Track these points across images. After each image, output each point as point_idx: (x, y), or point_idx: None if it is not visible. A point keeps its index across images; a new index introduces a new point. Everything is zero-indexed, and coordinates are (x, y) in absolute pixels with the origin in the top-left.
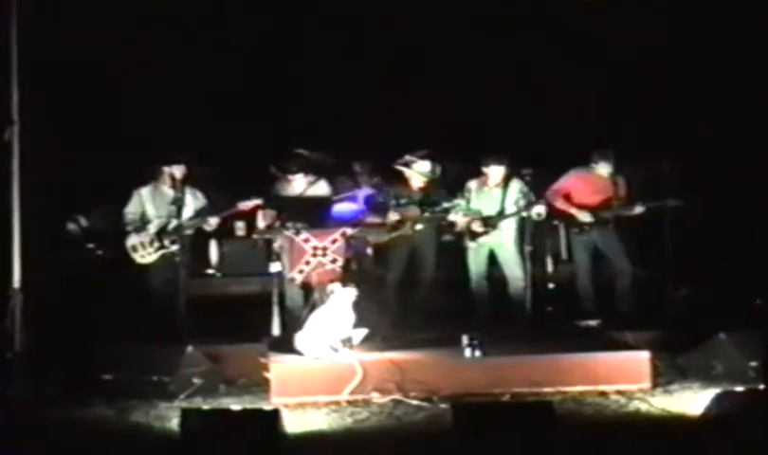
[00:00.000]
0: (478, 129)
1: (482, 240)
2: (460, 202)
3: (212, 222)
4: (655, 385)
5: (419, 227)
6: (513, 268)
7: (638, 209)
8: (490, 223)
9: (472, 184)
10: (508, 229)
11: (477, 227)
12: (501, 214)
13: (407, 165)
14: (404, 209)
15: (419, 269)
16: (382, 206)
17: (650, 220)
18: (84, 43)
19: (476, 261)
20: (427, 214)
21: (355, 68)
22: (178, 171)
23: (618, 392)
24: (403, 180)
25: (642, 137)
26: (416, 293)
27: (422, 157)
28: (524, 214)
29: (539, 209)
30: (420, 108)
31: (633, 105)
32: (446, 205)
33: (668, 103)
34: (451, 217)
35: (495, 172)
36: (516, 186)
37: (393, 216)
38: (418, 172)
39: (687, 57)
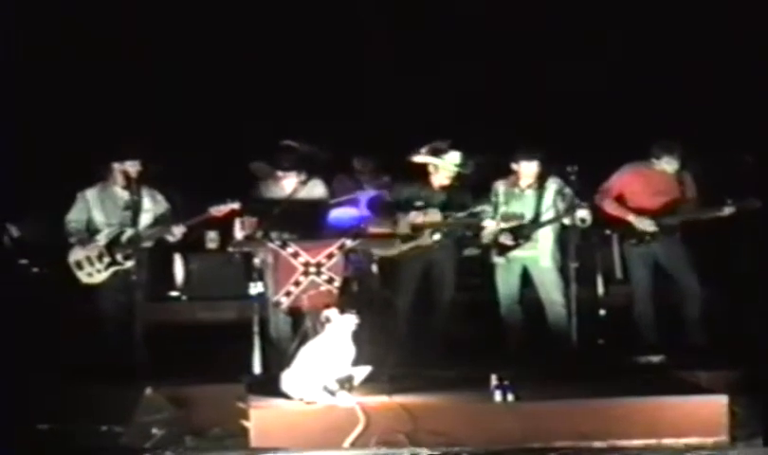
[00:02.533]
0: (507, 115)
1: (512, 255)
2: (485, 208)
3: (177, 231)
4: (735, 438)
5: (438, 236)
6: (550, 290)
7: (727, 210)
8: (523, 233)
9: (500, 185)
10: (545, 241)
11: (506, 238)
12: (535, 222)
13: (435, 154)
14: (421, 214)
15: (436, 291)
16: (391, 210)
17: (725, 228)
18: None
19: (506, 281)
20: (451, 220)
21: (353, 43)
22: (133, 168)
23: (688, 447)
24: (422, 176)
25: (715, 126)
26: (432, 321)
27: (451, 148)
28: (565, 221)
29: (582, 214)
30: (436, 90)
31: (702, 88)
32: (475, 209)
33: (744, 87)
34: (485, 223)
35: (527, 169)
36: (553, 186)
37: (405, 224)
38: (449, 163)
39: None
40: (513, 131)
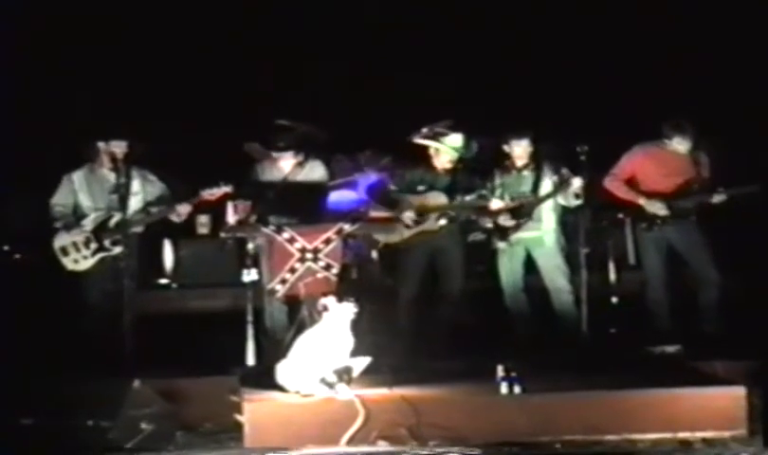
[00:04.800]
0: (512, 95)
1: (515, 237)
2: (483, 192)
3: (183, 211)
4: (753, 431)
5: (444, 221)
6: (555, 277)
7: (717, 198)
8: (522, 213)
9: (497, 169)
10: (548, 221)
11: (505, 220)
12: (533, 200)
13: (435, 137)
14: (424, 197)
15: (443, 279)
16: (393, 195)
17: (745, 212)
18: None
19: (509, 267)
20: (457, 203)
21: (352, 21)
22: (119, 148)
23: (705, 441)
24: (424, 159)
25: (730, 103)
26: (440, 311)
27: (446, 128)
28: (562, 201)
29: (575, 187)
30: (436, 68)
31: (716, 62)
32: (482, 192)
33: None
34: (493, 205)
35: (518, 149)
36: (550, 166)
37: (409, 208)
38: (450, 146)
39: None
40: (518, 111)
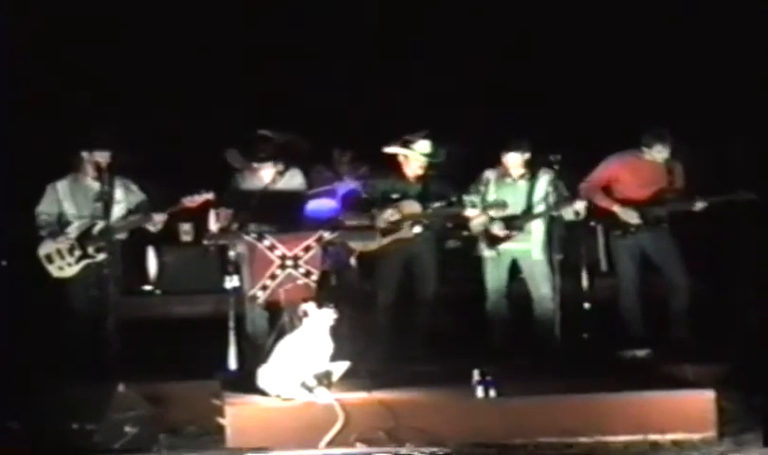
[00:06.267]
0: (493, 101)
1: (503, 247)
2: (471, 198)
3: (158, 220)
4: (722, 434)
5: (418, 228)
6: (540, 284)
7: (698, 205)
8: (516, 225)
9: (490, 174)
10: (537, 234)
11: (498, 229)
12: (527, 213)
13: (404, 145)
14: (398, 206)
15: (418, 285)
16: (366, 204)
17: (716, 219)
18: None
19: (495, 274)
20: (430, 210)
21: (332, 31)
22: (102, 158)
23: (674, 443)
24: (396, 168)
25: (706, 112)
26: (415, 316)
27: (422, 137)
28: (556, 214)
29: (578, 207)
30: (419, 78)
31: (694, 71)
32: (452, 199)
33: (738, 70)
34: (468, 212)
35: (513, 160)
36: (545, 177)
37: (382, 218)
38: (418, 153)
39: None
40: (497, 121)
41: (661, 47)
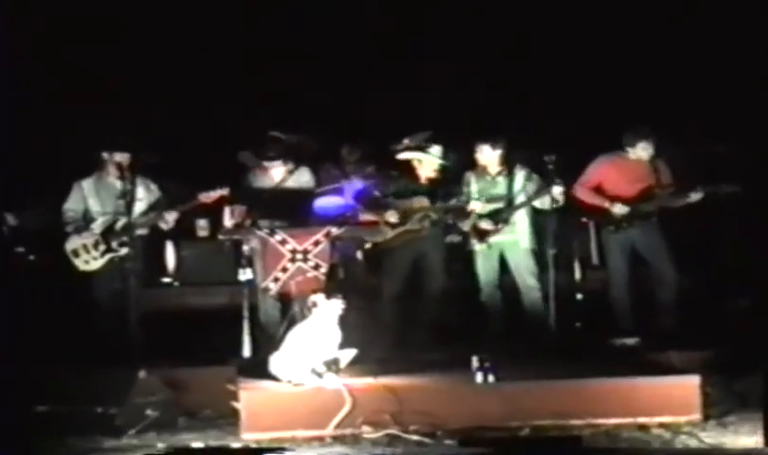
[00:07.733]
0: (493, 101)
1: (492, 240)
2: (463, 197)
3: (170, 218)
4: (707, 416)
5: (425, 221)
6: (525, 275)
7: (695, 196)
8: (501, 217)
9: (470, 175)
10: (522, 224)
11: (486, 224)
12: (510, 205)
13: (420, 149)
14: (409, 202)
15: (425, 281)
16: (378, 202)
17: (701, 214)
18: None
19: (486, 267)
20: (439, 205)
21: (340, 33)
22: (124, 158)
23: (662, 426)
24: (408, 170)
25: (689, 112)
26: (417, 306)
27: (428, 140)
28: (537, 205)
29: (555, 193)
30: (419, 81)
31: (676, 72)
32: (461, 196)
33: (721, 70)
34: (472, 205)
35: (488, 156)
36: (522, 172)
37: (392, 215)
38: (435, 156)
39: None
40: (497, 121)
41: (658, 48)
